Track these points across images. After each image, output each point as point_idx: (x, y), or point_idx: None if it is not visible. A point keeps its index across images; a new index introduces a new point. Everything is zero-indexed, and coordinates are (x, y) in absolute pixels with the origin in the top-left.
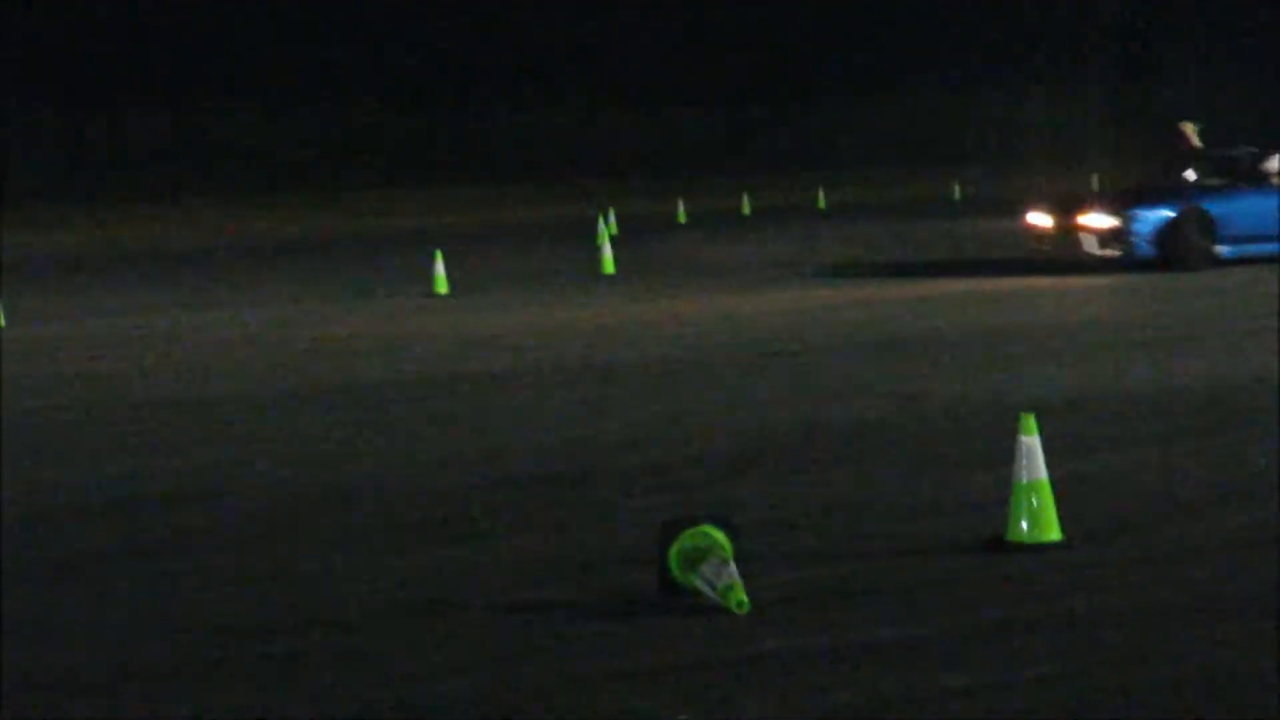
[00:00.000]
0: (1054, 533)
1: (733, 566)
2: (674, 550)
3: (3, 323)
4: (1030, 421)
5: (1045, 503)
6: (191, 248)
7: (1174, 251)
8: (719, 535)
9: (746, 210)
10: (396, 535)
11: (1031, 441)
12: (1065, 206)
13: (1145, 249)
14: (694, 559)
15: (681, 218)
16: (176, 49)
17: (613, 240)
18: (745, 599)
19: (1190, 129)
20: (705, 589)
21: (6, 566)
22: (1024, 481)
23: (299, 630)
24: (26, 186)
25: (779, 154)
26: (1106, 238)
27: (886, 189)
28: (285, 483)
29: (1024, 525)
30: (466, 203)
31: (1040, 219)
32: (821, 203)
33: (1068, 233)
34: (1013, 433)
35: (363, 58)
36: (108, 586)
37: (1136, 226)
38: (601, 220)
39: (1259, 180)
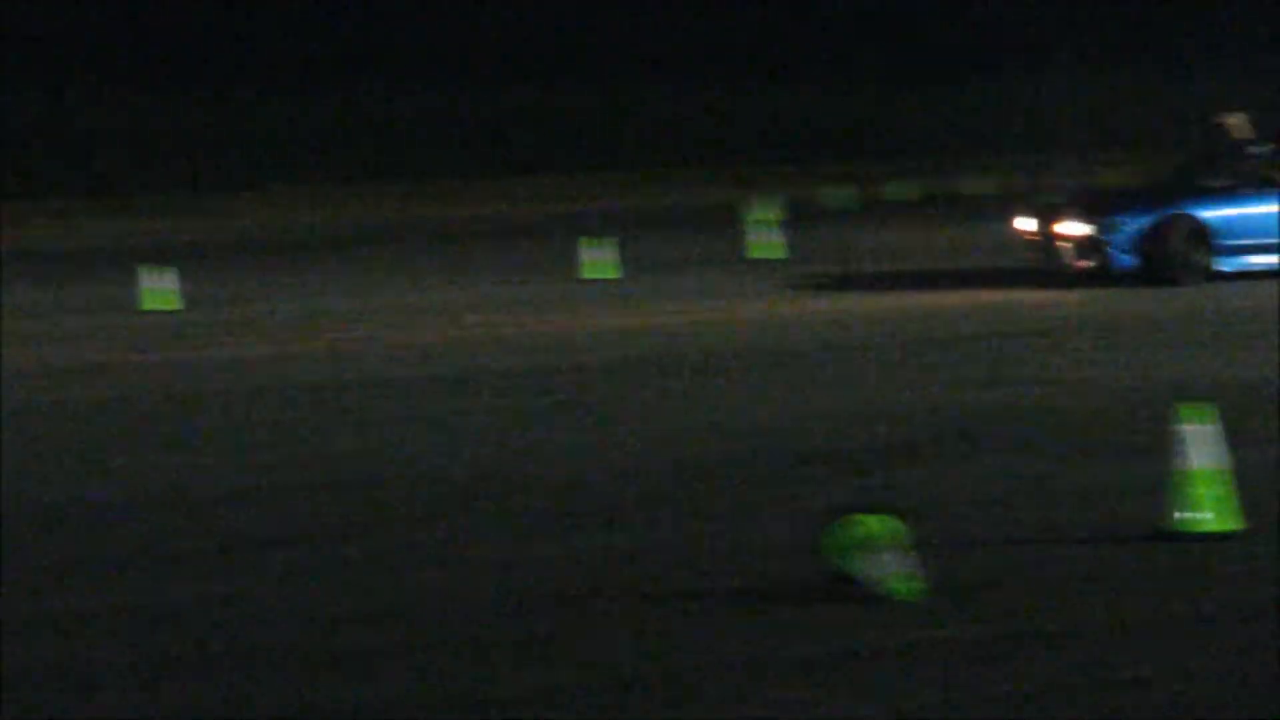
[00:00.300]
0: (1219, 522)
1: (899, 555)
2: (840, 538)
3: (180, 306)
4: (1191, 410)
5: (1208, 491)
6: (356, 233)
7: (1156, 263)
8: (887, 523)
9: (912, 196)
10: (559, 521)
11: (1194, 430)
12: (1048, 210)
13: (1123, 260)
14: (860, 547)
15: (835, 202)
16: (327, 28)
17: (768, 225)
18: (911, 587)
19: (1235, 121)
20: (871, 577)
21: (173, 549)
22: (1185, 470)
23: (457, 616)
24: (188, 170)
25: (924, 137)
26: (1083, 247)
27: (1034, 175)
28: (443, 469)
29: (1186, 514)
30: (616, 187)
31: (1026, 224)
32: (968, 190)
33: (1048, 240)
34: (1166, 419)
35: (509, 39)
36: (259, 571)
37: (1113, 235)
38: (754, 204)
39: (1268, 182)
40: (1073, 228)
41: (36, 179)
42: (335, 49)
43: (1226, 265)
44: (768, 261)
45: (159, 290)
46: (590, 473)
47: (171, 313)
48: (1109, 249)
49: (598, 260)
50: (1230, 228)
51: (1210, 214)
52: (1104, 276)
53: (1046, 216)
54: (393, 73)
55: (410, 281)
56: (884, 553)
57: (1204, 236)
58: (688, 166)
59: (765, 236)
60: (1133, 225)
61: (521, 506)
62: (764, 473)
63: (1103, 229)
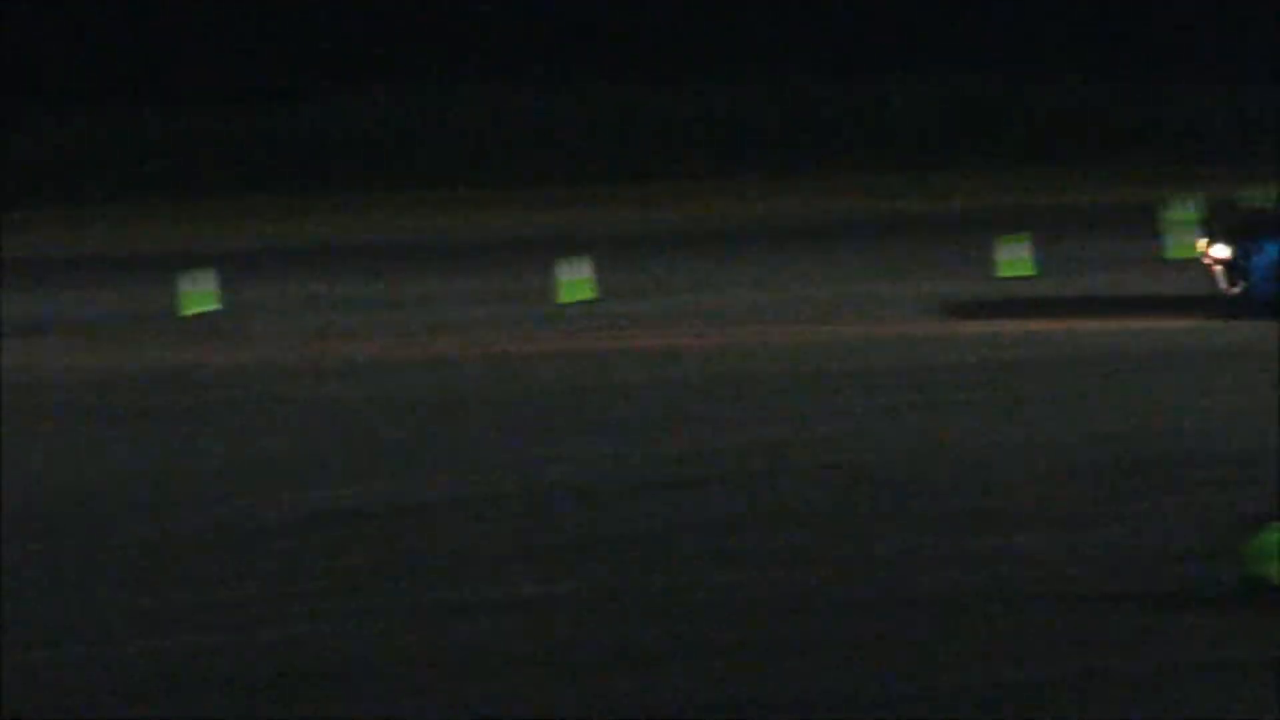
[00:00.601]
0: None
1: None
2: (1263, 544)
3: (596, 296)
4: None
5: None
6: (767, 225)
7: None
8: None
9: None
10: (963, 521)
11: None
12: (1212, 230)
13: (1265, 288)
14: None
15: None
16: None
17: (1188, 226)
18: None
19: None
20: None
21: (579, 541)
22: None
23: (873, 611)
24: (597, 159)
25: None
26: (1230, 271)
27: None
28: (849, 463)
29: None
30: (1032, 182)
31: (1203, 244)
32: None
33: (1206, 263)
34: None
35: (909, 27)
36: (658, 563)
37: (1253, 260)
38: (1173, 204)
39: None
40: (1219, 250)
41: (446, 170)
42: (747, 38)
43: None
44: (1188, 263)
45: (574, 281)
46: (997, 473)
47: (587, 303)
48: (1250, 275)
49: (1014, 259)
50: None
51: None
52: (1247, 305)
53: (1211, 236)
54: (793, 64)
55: (823, 276)
56: None
57: None
58: (1103, 162)
59: (1185, 238)
60: (1273, 249)
61: (925, 504)
62: (1181, 476)
63: (1241, 252)
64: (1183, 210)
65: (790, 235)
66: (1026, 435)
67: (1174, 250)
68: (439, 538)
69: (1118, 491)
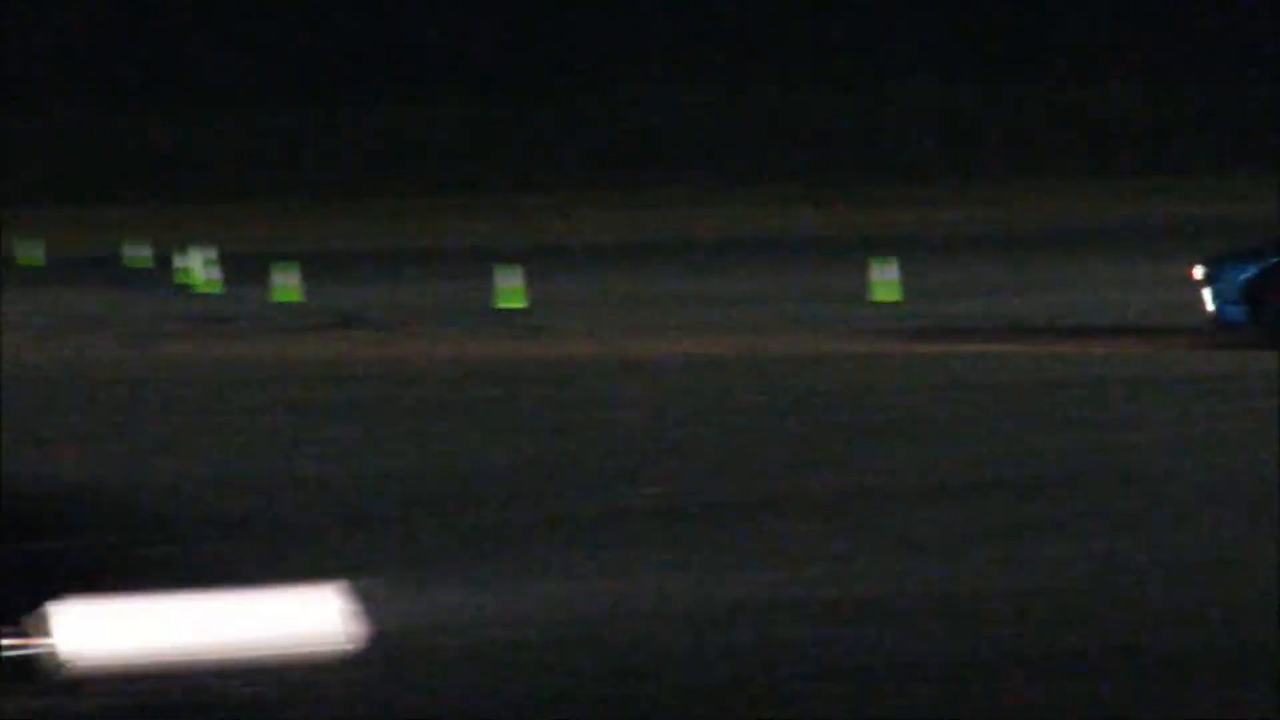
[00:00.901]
0: None
1: None
2: None
3: (900, 298)
4: None
5: None
6: (1074, 227)
7: (1263, 317)
8: None
9: None
10: None
11: None
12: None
13: (1231, 312)
14: None
15: None
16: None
17: None
18: None
19: None
20: None
21: (905, 539)
22: None
23: (1187, 622)
24: (901, 162)
25: None
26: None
27: None
28: (1165, 472)
29: None
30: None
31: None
32: None
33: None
34: None
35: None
36: (962, 563)
37: (1218, 283)
38: None
39: None
40: (1197, 271)
41: (766, 166)
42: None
43: None
44: None
45: (886, 282)
46: None
47: (894, 304)
48: (1216, 299)
49: None
50: None
51: None
52: (1213, 327)
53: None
54: (1100, 66)
55: (1127, 281)
56: None
57: None
58: None
59: None
60: (1239, 273)
61: (1244, 511)
62: None
63: (1207, 276)
64: None
65: (1106, 235)
66: None
67: None
68: (758, 536)
69: None
